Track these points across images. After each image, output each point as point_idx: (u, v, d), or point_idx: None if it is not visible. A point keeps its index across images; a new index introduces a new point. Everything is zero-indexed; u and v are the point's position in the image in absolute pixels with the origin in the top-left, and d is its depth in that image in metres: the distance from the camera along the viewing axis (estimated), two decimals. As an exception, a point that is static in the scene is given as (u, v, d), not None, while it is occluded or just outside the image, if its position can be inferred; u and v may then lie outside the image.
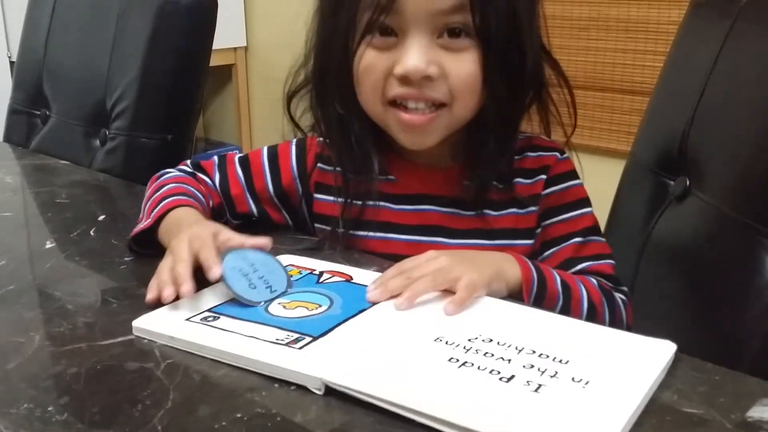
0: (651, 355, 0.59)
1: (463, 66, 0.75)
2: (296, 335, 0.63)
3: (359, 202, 0.83)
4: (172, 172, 0.90)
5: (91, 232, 0.92)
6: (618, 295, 0.80)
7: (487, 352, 0.60)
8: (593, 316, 0.75)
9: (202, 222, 0.79)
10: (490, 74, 0.76)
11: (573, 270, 0.81)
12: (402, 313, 0.67)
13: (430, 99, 0.76)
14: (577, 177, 0.85)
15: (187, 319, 0.66)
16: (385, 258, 0.80)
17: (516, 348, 0.60)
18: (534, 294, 0.73)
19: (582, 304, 0.75)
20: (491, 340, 0.62)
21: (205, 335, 0.64)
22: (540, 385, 0.55)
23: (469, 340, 0.62)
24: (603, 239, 0.84)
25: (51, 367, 0.61)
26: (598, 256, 0.82)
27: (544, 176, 0.82)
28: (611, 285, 0.80)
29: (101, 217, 0.98)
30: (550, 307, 0.73)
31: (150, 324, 0.66)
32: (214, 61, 1.38)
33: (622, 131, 1.88)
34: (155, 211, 0.82)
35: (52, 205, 1.06)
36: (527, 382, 0.55)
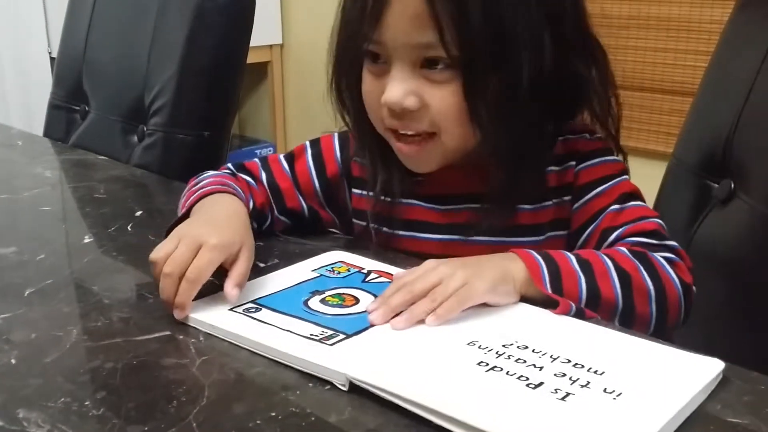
0: (693, 372, 0.57)
1: (443, 97, 0.73)
2: (331, 332, 0.63)
3: (388, 199, 0.83)
4: (212, 172, 0.89)
5: (129, 228, 0.93)
6: (660, 255, 0.72)
7: (519, 359, 0.59)
8: (629, 285, 0.69)
9: (233, 216, 0.77)
10: (476, 103, 0.73)
11: (610, 239, 0.76)
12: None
13: (415, 129, 0.75)
14: (610, 153, 0.81)
15: (231, 309, 0.68)
16: (418, 257, 0.79)
17: (551, 356, 0.59)
18: (548, 281, 0.68)
19: (611, 276, 0.69)
20: (527, 347, 0.61)
21: (243, 326, 0.65)
22: (568, 394, 0.54)
23: (504, 345, 0.61)
24: (644, 204, 0.79)
25: (88, 362, 0.62)
26: (638, 218, 0.76)
27: (573, 162, 0.80)
28: (653, 242, 0.74)
29: (138, 213, 0.99)
30: (575, 290, 0.68)
31: (194, 312, 0.67)
32: (250, 58, 1.39)
33: (662, 132, 1.85)
34: (190, 201, 0.81)
35: (90, 200, 1.07)
36: (555, 389, 0.54)
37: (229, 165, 0.91)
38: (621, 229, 0.76)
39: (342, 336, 0.63)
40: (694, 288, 0.73)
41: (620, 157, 0.82)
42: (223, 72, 1.30)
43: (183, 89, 1.29)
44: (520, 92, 0.73)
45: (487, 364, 0.58)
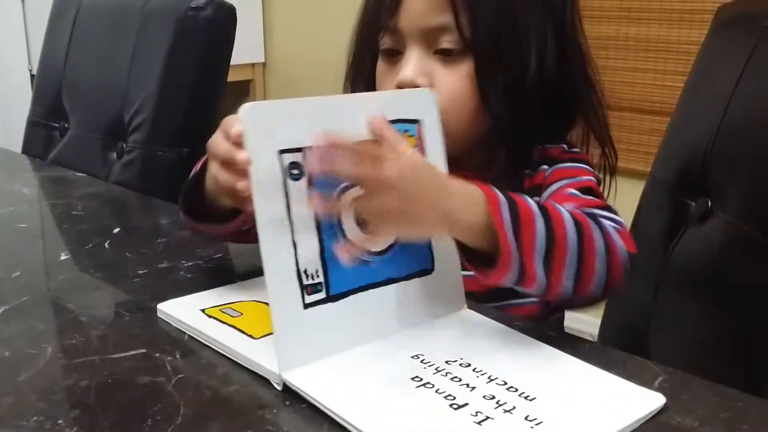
0: (631, 404, 0.56)
1: (452, 79, 0.77)
2: (318, 281, 0.61)
3: None
4: None
5: (106, 245, 0.92)
6: (605, 221, 0.69)
7: (455, 377, 0.59)
8: (583, 239, 0.64)
9: None
10: (486, 88, 0.76)
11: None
12: (390, 323, 0.65)
13: None
14: (586, 163, 0.81)
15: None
16: None
17: (489, 377, 0.59)
18: (508, 220, 0.61)
19: (565, 224, 0.64)
20: (469, 365, 0.61)
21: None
22: (487, 418, 0.54)
23: (447, 362, 0.61)
24: (603, 201, 0.76)
25: (62, 380, 0.61)
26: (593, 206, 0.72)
27: (546, 166, 0.81)
28: (599, 213, 0.71)
29: (116, 230, 0.98)
30: (531, 232, 0.62)
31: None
32: (232, 76, 1.39)
33: (641, 151, 1.87)
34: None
35: (67, 217, 1.06)
36: (476, 412, 0.54)
37: None
38: (572, 204, 0.73)
39: (323, 295, 0.61)
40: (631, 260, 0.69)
41: (600, 175, 0.83)
42: (203, 89, 1.30)
43: (163, 106, 1.29)
44: (527, 80, 0.76)
45: (421, 380, 0.58)
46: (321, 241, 0.62)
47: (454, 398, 0.56)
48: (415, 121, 0.67)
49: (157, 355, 0.64)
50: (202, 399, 0.58)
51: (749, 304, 0.78)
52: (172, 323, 0.69)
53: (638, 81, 1.88)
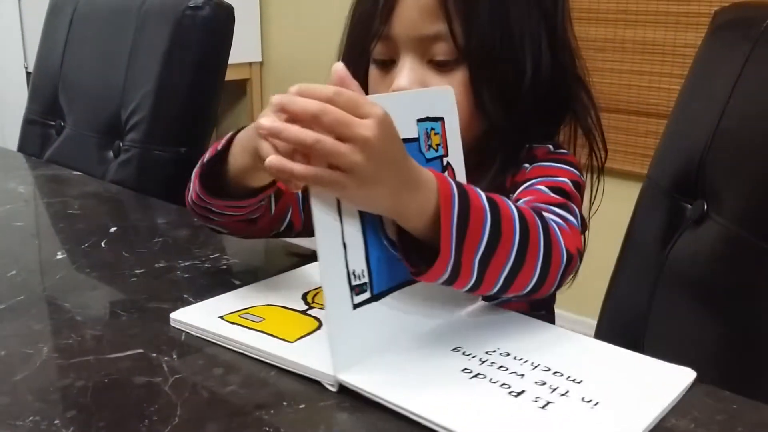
0: (668, 381, 0.59)
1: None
2: (364, 281, 0.61)
3: None
4: None
5: (102, 244, 0.92)
6: (552, 218, 0.68)
7: (501, 366, 0.60)
8: (528, 238, 0.62)
9: None
10: (481, 95, 0.76)
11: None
12: (422, 319, 0.66)
13: None
14: (570, 165, 0.80)
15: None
16: None
17: (531, 364, 0.61)
18: (455, 216, 0.59)
19: (513, 223, 0.62)
20: (508, 354, 0.62)
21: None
22: (548, 402, 0.55)
23: (487, 352, 0.63)
24: (575, 215, 0.73)
25: (58, 380, 0.61)
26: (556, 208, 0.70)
27: (527, 165, 0.80)
28: (551, 208, 0.70)
29: (113, 229, 0.98)
30: (476, 231, 0.60)
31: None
32: (230, 75, 1.39)
33: (638, 153, 1.87)
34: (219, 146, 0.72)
35: (64, 216, 1.05)
36: (536, 398, 0.56)
37: None
38: (529, 197, 0.72)
39: (368, 295, 0.61)
40: (579, 256, 0.69)
41: (587, 176, 0.83)
42: (201, 88, 1.29)
43: (160, 105, 1.28)
44: (522, 86, 0.76)
45: (471, 371, 0.59)
46: (365, 241, 0.61)
47: (510, 386, 0.57)
48: (439, 119, 0.67)
49: (154, 355, 0.64)
50: (199, 399, 0.58)
51: (744, 307, 0.78)
52: (190, 332, 0.68)
53: (634, 83, 1.88)
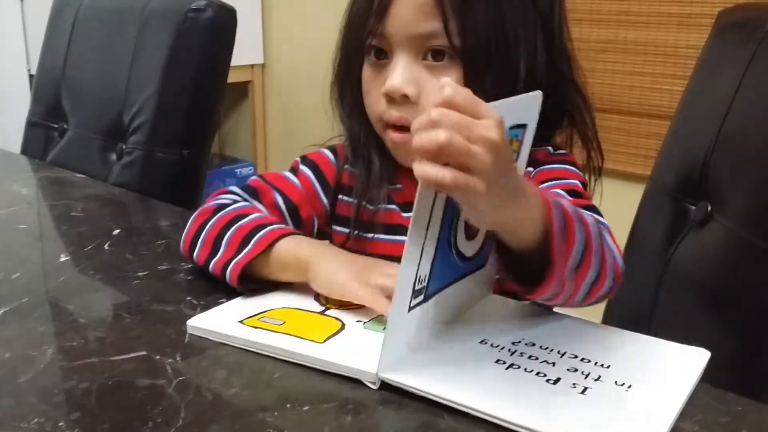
0: (687, 361, 0.61)
1: None
2: (424, 285, 0.61)
3: (371, 206, 0.83)
4: (233, 203, 0.83)
5: (106, 246, 0.92)
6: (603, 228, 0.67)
7: (531, 356, 0.62)
8: (602, 246, 0.63)
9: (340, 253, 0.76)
10: (476, 95, 0.75)
11: None
12: (447, 311, 0.67)
13: (412, 118, 0.76)
14: (572, 165, 0.81)
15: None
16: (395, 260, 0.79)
17: (558, 352, 0.62)
18: (557, 223, 0.59)
19: (591, 231, 0.62)
20: (534, 344, 0.63)
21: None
22: (586, 388, 0.57)
23: (513, 343, 0.64)
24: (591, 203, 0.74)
25: (62, 382, 0.61)
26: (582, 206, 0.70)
27: (531, 168, 0.80)
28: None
29: (116, 232, 0.98)
30: (572, 236, 0.60)
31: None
32: (231, 77, 1.39)
33: (640, 155, 1.87)
34: (252, 243, 0.75)
35: (67, 219, 1.06)
36: (573, 384, 0.57)
37: (231, 189, 0.86)
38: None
39: (422, 298, 0.61)
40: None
41: (586, 177, 0.83)
42: (203, 91, 1.29)
43: (163, 107, 1.28)
44: (517, 86, 0.76)
45: (505, 362, 0.61)
46: (437, 248, 0.61)
47: (545, 375, 0.58)
48: (523, 126, 0.65)
49: (158, 357, 0.64)
50: (202, 401, 0.58)
51: (748, 309, 0.78)
52: (211, 338, 0.67)
53: (637, 84, 1.88)
